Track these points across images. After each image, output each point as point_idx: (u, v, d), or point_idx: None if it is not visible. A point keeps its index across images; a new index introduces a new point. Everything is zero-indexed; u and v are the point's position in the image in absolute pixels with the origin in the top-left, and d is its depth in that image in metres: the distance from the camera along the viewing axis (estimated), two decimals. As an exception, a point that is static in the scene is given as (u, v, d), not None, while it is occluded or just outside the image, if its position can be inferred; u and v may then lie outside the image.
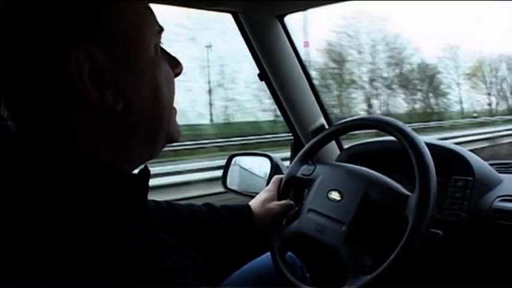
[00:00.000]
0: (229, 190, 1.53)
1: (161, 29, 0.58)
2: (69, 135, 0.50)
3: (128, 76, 0.53)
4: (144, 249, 0.43)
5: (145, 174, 0.56)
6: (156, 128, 0.58)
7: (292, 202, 1.09)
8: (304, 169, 1.11)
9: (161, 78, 0.57)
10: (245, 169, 1.54)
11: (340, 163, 1.20)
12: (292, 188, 1.15)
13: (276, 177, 1.17)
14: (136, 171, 0.58)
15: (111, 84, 0.51)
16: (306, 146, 1.16)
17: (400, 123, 0.95)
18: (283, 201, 1.09)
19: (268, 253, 1.08)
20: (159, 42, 0.58)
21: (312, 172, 1.08)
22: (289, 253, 1.08)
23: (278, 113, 1.49)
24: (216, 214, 1.01)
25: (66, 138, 0.50)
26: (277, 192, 1.12)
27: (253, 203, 1.08)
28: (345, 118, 1.09)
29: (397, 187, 0.92)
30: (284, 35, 1.35)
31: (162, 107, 0.58)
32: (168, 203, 0.98)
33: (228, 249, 1.01)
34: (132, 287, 0.40)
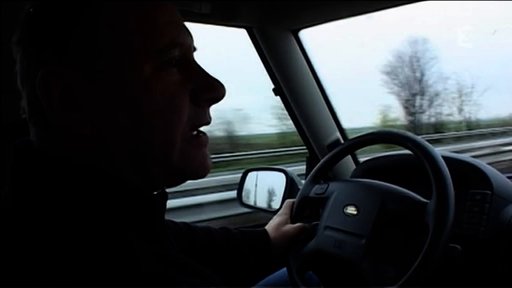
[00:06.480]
0: (244, 205, 1.52)
1: (175, 44, 0.51)
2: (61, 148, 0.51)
3: (102, 99, 0.48)
4: (152, 265, 0.43)
5: (163, 196, 0.57)
6: (144, 160, 0.51)
7: (307, 225, 1.08)
8: (317, 188, 1.11)
9: (155, 101, 0.50)
10: (260, 184, 1.54)
11: (353, 179, 1.19)
12: (306, 208, 1.14)
13: (288, 201, 1.17)
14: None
15: (79, 107, 0.48)
16: (318, 165, 1.15)
17: (414, 136, 0.95)
18: (298, 224, 1.08)
19: (284, 268, 1.07)
20: (168, 59, 0.51)
21: (325, 190, 1.08)
22: None
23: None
24: (234, 238, 1.01)
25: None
26: (290, 216, 1.12)
27: (268, 228, 1.08)
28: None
29: (413, 195, 0.91)
30: (299, 49, 1.37)
31: (150, 137, 0.50)
32: (185, 224, 0.98)
33: (245, 272, 1.00)
34: None
